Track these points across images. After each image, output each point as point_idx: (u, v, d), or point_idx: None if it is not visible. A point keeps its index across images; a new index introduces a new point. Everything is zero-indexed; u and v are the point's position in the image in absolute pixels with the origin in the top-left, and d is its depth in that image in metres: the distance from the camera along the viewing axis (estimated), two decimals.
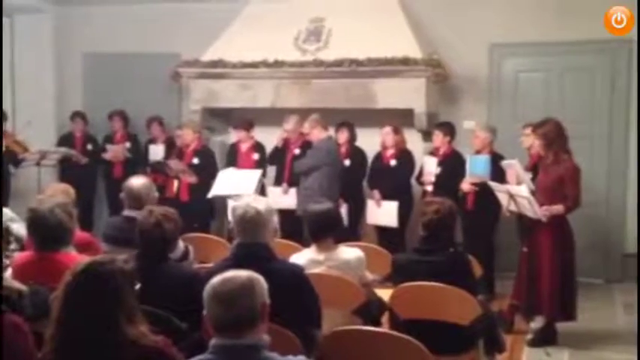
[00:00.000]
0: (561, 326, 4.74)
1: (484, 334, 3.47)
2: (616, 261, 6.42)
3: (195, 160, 6.69)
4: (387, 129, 6.20)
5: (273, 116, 6.72)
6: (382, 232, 6.21)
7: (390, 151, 6.24)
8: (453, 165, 5.90)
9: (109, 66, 7.87)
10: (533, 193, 4.63)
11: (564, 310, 4.64)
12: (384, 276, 3.96)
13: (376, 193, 6.17)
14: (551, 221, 4.54)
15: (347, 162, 6.34)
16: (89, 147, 7.53)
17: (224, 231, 6.58)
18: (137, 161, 7.39)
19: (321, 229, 3.61)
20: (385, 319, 3.51)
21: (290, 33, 6.78)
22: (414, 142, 6.43)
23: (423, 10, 6.74)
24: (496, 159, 5.56)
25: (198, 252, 3.88)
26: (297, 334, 2.65)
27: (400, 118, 6.31)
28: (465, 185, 5.70)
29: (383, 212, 6.13)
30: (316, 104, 6.42)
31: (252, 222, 2.96)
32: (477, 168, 5.64)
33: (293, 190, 6.31)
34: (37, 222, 3.14)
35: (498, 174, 5.32)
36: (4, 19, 7.68)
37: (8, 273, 2.99)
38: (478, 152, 5.82)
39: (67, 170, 7.34)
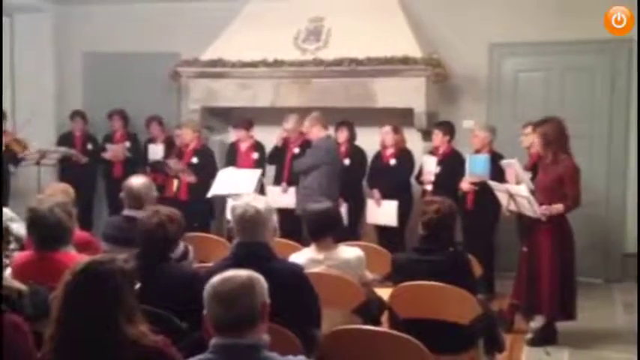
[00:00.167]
0: (561, 325, 4.74)
1: (484, 333, 3.47)
2: (616, 261, 6.42)
3: (195, 160, 6.69)
4: (387, 128, 6.20)
5: (272, 115, 6.72)
6: (382, 231, 6.21)
7: (390, 151, 6.24)
8: (452, 164, 5.90)
9: (108, 65, 7.87)
10: (532, 192, 4.63)
11: (564, 310, 4.64)
12: (383, 275, 3.96)
13: (376, 193, 6.17)
14: (551, 221, 4.54)
15: (347, 161, 6.34)
16: (89, 146, 7.53)
17: (224, 230, 6.58)
18: (137, 161, 7.39)
19: (321, 229, 3.61)
20: (385, 318, 3.51)
21: (290, 32, 6.78)
22: (413, 141, 6.43)
23: (422, 9, 6.74)
24: (495, 158, 5.56)
25: (197, 251, 3.87)
26: (297, 333, 2.65)
27: (400, 118, 6.31)
28: (465, 185, 5.70)
29: (383, 211, 6.13)
30: (316, 103, 6.41)
31: (251, 221, 2.96)
32: (476, 167, 5.64)
33: (292, 190, 6.32)
34: (36, 221, 3.13)
35: (498, 173, 5.32)
36: (5, 19, 7.68)
37: (8, 272, 2.98)
38: (477, 152, 5.82)
39: (66, 170, 7.34)
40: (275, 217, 3.14)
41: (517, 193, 4.66)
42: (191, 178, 6.59)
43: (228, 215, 5.75)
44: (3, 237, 3.46)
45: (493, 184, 5.04)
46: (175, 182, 6.67)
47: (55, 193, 3.89)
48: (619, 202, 6.45)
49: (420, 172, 6.15)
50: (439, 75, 6.50)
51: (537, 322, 4.77)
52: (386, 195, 6.11)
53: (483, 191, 5.39)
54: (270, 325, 2.17)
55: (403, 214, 6.08)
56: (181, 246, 3.54)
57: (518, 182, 4.90)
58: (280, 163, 6.56)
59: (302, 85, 6.65)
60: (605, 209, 6.46)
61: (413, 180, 6.25)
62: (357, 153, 6.43)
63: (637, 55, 6.17)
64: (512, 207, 4.77)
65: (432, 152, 6.14)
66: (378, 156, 6.34)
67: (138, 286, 2.21)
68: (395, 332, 2.89)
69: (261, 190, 6.15)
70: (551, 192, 4.60)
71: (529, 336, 4.74)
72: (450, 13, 6.70)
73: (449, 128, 6.12)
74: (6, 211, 4.24)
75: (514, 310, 4.94)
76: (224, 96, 6.96)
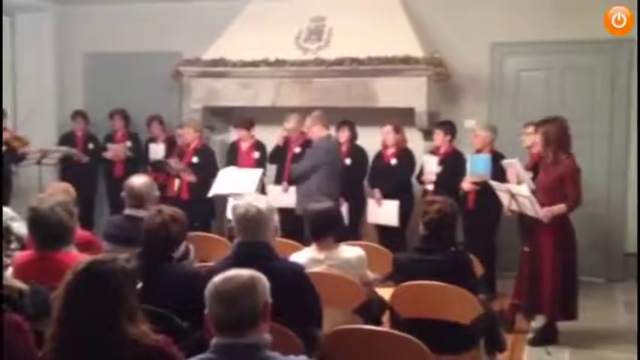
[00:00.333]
0: (562, 325, 4.73)
1: (485, 333, 3.47)
2: (617, 260, 6.42)
3: (195, 159, 6.69)
4: (388, 128, 6.19)
5: (273, 115, 6.72)
6: (383, 231, 6.21)
7: (391, 150, 6.24)
8: (453, 164, 5.89)
9: (109, 65, 7.87)
10: (533, 192, 4.63)
11: (565, 310, 4.64)
12: (385, 275, 3.96)
13: (377, 192, 6.16)
14: (553, 221, 4.53)
15: (348, 161, 6.34)
16: (90, 146, 7.53)
17: (224, 230, 6.58)
18: (138, 160, 7.39)
19: (322, 228, 3.61)
20: (386, 318, 3.51)
21: (291, 32, 6.78)
22: (414, 141, 6.42)
23: (424, 9, 6.74)
24: (497, 158, 5.55)
25: (198, 251, 3.87)
26: (298, 333, 2.65)
27: (401, 117, 6.30)
28: (466, 184, 5.70)
29: (383, 211, 6.12)
30: (317, 103, 6.41)
31: (253, 221, 2.96)
32: (477, 167, 5.64)
33: (293, 189, 6.30)
34: (37, 221, 3.13)
35: (499, 173, 5.31)
36: (5, 18, 7.68)
37: (9, 272, 2.98)
38: (479, 151, 5.81)
39: (67, 169, 7.34)
40: (276, 217, 3.14)
41: (518, 193, 4.66)
42: (191, 178, 6.59)
43: (229, 215, 5.76)
44: (3, 236, 3.45)
45: (494, 183, 5.03)
46: (177, 182, 6.68)
47: (56, 193, 3.89)
48: (620, 201, 6.45)
49: (421, 172, 6.14)
50: (440, 74, 6.49)
51: (538, 321, 4.77)
52: (387, 195, 6.11)
53: (484, 191, 5.39)
54: (272, 324, 2.16)
55: (404, 213, 6.07)
56: (182, 245, 3.54)
57: (519, 182, 4.90)
58: (281, 163, 6.56)
59: (303, 85, 6.65)
60: (607, 208, 6.46)
61: (414, 180, 6.24)
62: (358, 153, 6.43)
63: (637, 55, 6.16)
64: (514, 207, 4.77)
65: (433, 152, 6.14)
66: (379, 156, 6.34)
67: (139, 285, 2.21)
68: (396, 332, 2.89)
69: (262, 189, 6.15)
70: (551, 192, 4.59)
71: (530, 336, 4.74)
72: (451, 12, 6.71)
73: (450, 128, 6.12)
74: (7, 210, 4.24)
75: (515, 310, 4.94)
76: (225, 95, 6.96)
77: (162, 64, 7.32)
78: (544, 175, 4.73)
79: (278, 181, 6.54)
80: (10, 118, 7.29)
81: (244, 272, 2.10)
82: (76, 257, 2.93)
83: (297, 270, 3.02)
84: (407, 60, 6.22)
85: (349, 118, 6.46)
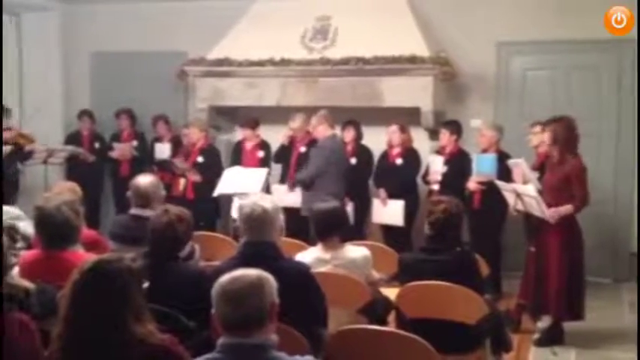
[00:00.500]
0: (568, 325, 4.72)
1: (491, 333, 3.47)
2: (624, 260, 6.39)
3: (200, 159, 6.69)
4: (394, 127, 6.18)
5: (279, 114, 6.71)
6: (388, 231, 6.20)
7: (396, 150, 6.23)
8: (459, 164, 5.88)
9: (115, 65, 7.88)
10: (540, 192, 4.62)
11: (572, 310, 4.63)
12: (390, 275, 3.96)
13: (382, 192, 6.16)
14: (560, 221, 4.51)
15: (353, 160, 6.33)
16: (96, 145, 7.54)
17: (230, 229, 6.58)
18: (144, 159, 7.40)
19: (328, 228, 3.62)
20: (392, 318, 3.50)
21: (296, 31, 6.78)
22: (420, 140, 6.41)
23: (430, 9, 6.72)
24: (503, 158, 5.54)
25: (204, 250, 3.87)
26: (304, 333, 2.65)
27: (407, 117, 6.29)
28: (472, 184, 5.68)
29: (389, 211, 6.11)
30: (322, 102, 6.41)
31: (259, 220, 2.96)
32: (483, 167, 5.62)
33: (298, 189, 6.30)
34: (43, 220, 3.14)
35: (505, 173, 5.30)
36: (11, 18, 7.71)
37: (15, 271, 2.99)
38: (485, 151, 5.80)
39: (73, 168, 7.35)
40: (282, 217, 3.14)
41: (525, 192, 4.65)
42: (196, 178, 6.60)
43: (234, 214, 5.77)
44: (11, 236, 3.47)
45: (500, 183, 5.02)
46: (182, 181, 6.69)
47: (63, 192, 3.89)
48: (627, 200, 6.43)
49: (427, 172, 6.13)
50: (447, 74, 6.48)
51: (544, 322, 4.76)
52: (392, 194, 6.10)
53: (490, 191, 5.38)
54: (279, 324, 2.16)
55: (409, 213, 6.06)
56: (188, 245, 3.54)
57: (525, 182, 4.88)
58: (286, 162, 6.56)
59: (309, 84, 6.64)
60: (614, 208, 6.43)
61: (419, 179, 6.23)
62: (363, 152, 6.42)
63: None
64: (520, 207, 4.75)
65: (439, 152, 6.13)
66: (385, 155, 6.33)
67: (146, 284, 2.21)
68: (401, 332, 2.89)
69: (267, 189, 6.15)
70: (558, 192, 4.58)
71: (536, 336, 4.73)
72: (457, 12, 6.69)
73: (456, 127, 6.10)
74: (13, 209, 4.25)
75: (521, 310, 4.93)
76: (231, 95, 6.96)
77: (168, 63, 7.33)
78: (550, 174, 4.71)
79: (283, 180, 6.54)
80: (15, 117, 7.32)
81: (252, 272, 2.10)
82: (82, 256, 2.94)
83: (303, 270, 3.02)
84: (413, 59, 6.20)
85: (355, 118, 6.46)
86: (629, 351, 4.46)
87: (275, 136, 6.66)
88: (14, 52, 7.83)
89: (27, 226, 4.01)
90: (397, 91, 6.31)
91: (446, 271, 3.35)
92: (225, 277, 2.08)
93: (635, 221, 6.36)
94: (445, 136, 6.06)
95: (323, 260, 3.56)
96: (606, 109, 6.42)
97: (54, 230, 3.11)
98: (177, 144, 7.16)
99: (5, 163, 6.19)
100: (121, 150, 7.40)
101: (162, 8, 7.53)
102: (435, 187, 5.90)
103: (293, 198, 6.24)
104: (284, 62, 6.63)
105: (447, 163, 5.96)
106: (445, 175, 5.90)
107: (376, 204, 6.23)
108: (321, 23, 6.78)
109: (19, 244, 3.95)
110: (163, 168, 6.92)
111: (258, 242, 2.96)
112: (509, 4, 6.57)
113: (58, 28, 7.96)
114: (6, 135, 6.51)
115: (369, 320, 3.33)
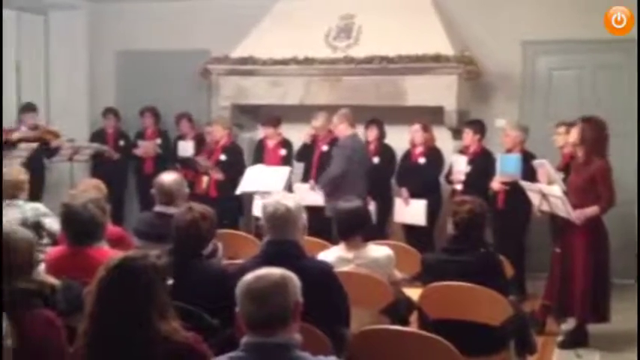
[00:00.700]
0: (593, 328, 4.67)
1: (515, 334, 3.43)
2: None
3: (223, 157, 6.72)
4: (416, 126, 6.16)
5: (302, 113, 6.72)
6: (410, 230, 6.18)
7: (419, 149, 6.21)
8: (483, 164, 5.84)
9: (140, 63, 7.94)
10: (565, 193, 4.56)
11: (597, 312, 4.57)
12: (412, 275, 3.94)
13: (404, 191, 6.13)
14: (586, 222, 4.46)
15: (376, 159, 6.32)
16: (121, 143, 7.61)
17: (252, 227, 6.60)
18: (167, 157, 7.46)
19: (351, 227, 3.61)
20: (414, 318, 3.49)
21: (320, 30, 6.77)
22: (443, 139, 6.38)
23: (454, 7, 6.68)
24: (527, 158, 5.48)
25: (226, 248, 3.88)
26: (326, 332, 2.64)
27: (430, 116, 6.26)
28: (496, 184, 5.64)
29: (411, 210, 6.09)
30: (346, 101, 6.40)
31: (282, 219, 2.97)
32: (507, 167, 5.57)
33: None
34: (70, 217, 3.18)
35: (529, 173, 5.24)
36: (39, 17, 7.80)
37: (41, 267, 3.03)
38: (509, 151, 5.75)
39: (98, 166, 7.42)
40: (305, 215, 3.14)
41: (550, 193, 4.60)
42: (219, 176, 6.63)
43: (257, 212, 5.78)
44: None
45: (525, 184, 4.97)
46: (206, 179, 6.73)
47: (88, 189, 3.94)
48: None
49: (450, 172, 6.09)
50: (471, 72, 6.43)
51: (569, 324, 4.71)
52: (414, 194, 6.07)
53: (514, 191, 5.33)
54: (302, 324, 2.15)
55: (432, 213, 6.03)
56: (211, 243, 3.56)
57: (549, 183, 4.83)
58: (308, 161, 6.56)
59: (332, 83, 6.64)
60: (638, 208, 6.33)
61: (442, 179, 6.20)
62: (386, 151, 6.40)
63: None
64: (545, 207, 4.71)
65: (462, 151, 6.09)
66: (407, 154, 6.31)
67: (170, 282, 2.22)
68: (424, 333, 2.88)
69: (289, 187, 6.16)
70: (583, 193, 4.52)
71: (560, 338, 4.68)
72: (482, 10, 6.63)
73: (479, 127, 6.06)
74: (39, 206, 4.32)
75: (546, 312, 4.88)
76: (254, 93, 6.98)
77: (192, 62, 7.37)
78: (575, 175, 4.66)
79: (305, 179, 6.55)
80: (43, 115, 7.41)
81: (276, 271, 2.09)
82: (108, 253, 2.97)
83: (326, 269, 3.02)
84: (437, 58, 6.17)
85: (378, 117, 6.44)
86: None
87: (297, 134, 6.66)
88: (41, 50, 7.92)
89: (53, 223, 4.07)
90: (421, 90, 6.28)
91: (469, 272, 3.32)
92: (249, 276, 2.08)
93: None
94: (468, 136, 6.02)
95: (345, 259, 3.56)
96: (630, 108, 6.32)
97: (80, 227, 3.15)
98: (200, 142, 7.20)
99: (32, 158, 6.28)
100: (145, 148, 7.45)
101: (185, 7, 7.57)
102: (458, 186, 5.87)
103: (315, 197, 6.24)
104: (308, 61, 6.63)
105: (470, 162, 5.92)
106: (469, 175, 5.86)
107: (398, 203, 6.21)
108: (345, 22, 6.77)
109: (45, 241, 4.01)
110: (186, 166, 6.96)
111: (282, 241, 2.97)
112: (535, 3, 6.50)
113: (85, 26, 8.04)
114: (31, 133, 6.61)
115: (392, 321, 3.32)
